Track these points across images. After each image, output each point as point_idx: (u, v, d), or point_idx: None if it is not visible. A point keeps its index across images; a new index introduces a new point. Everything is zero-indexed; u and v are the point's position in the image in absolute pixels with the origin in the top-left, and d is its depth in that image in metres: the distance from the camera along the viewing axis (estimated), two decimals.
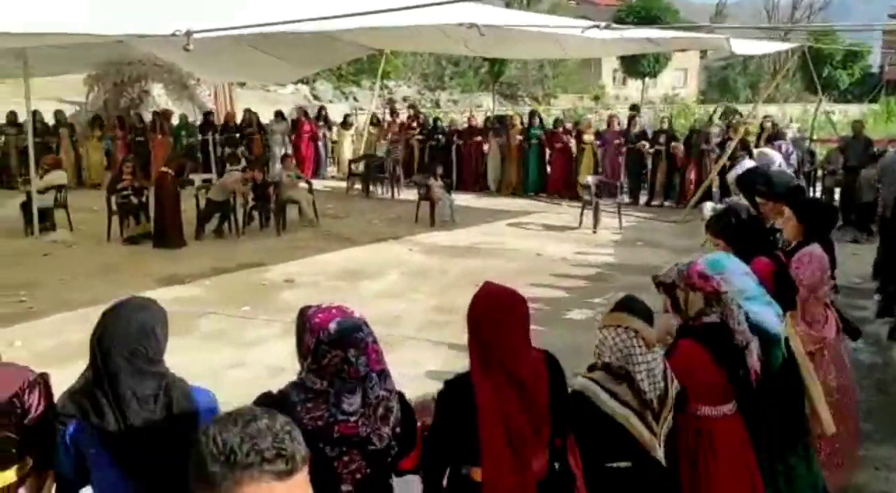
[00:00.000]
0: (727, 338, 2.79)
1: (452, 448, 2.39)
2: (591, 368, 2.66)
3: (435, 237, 10.93)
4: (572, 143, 14.42)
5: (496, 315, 2.37)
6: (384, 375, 2.23)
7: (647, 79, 31.96)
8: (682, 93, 39.03)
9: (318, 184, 14.01)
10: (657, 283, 2.99)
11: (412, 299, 7.83)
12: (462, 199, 13.29)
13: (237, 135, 16.14)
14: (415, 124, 16.61)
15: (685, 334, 2.86)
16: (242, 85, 22.85)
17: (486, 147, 15.24)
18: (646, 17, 27.07)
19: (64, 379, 5.42)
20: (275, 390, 2.23)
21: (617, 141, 14.19)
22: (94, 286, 8.04)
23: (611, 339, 2.57)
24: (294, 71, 16.38)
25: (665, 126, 14.42)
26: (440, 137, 15.90)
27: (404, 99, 29.40)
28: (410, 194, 13.24)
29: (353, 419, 2.15)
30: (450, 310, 7.24)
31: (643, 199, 14.07)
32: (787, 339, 3.30)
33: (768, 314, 3.09)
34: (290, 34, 11.31)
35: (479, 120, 16.38)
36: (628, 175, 14.26)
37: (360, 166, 15.33)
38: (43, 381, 2.32)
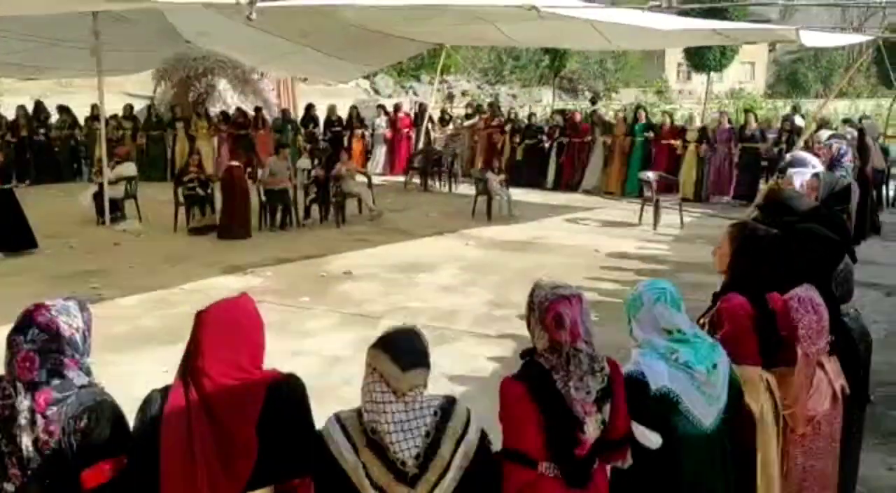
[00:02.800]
0: (551, 393, 2.30)
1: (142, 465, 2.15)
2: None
3: (492, 232, 10.95)
4: (678, 141, 13.82)
5: (211, 330, 2.17)
6: (35, 386, 2.07)
7: (712, 73, 31.22)
8: (748, 87, 38.02)
9: (376, 178, 14.17)
10: (531, 290, 2.47)
11: (468, 293, 7.87)
12: (519, 194, 13.26)
13: (340, 129, 16.47)
14: (495, 122, 16.15)
15: (521, 371, 2.40)
16: (304, 80, 23.22)
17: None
18: (712, 9, 26.45)
19: (135, 361, 5.64)
20: None
21: (728, 140, 13.47)
22: (162, 274, 8.34)
23: (364, 382, 2.21)
24: (357, 68, 16.62)
25: (788, 126, 13.49)
26: (541, 136, 15.36)
27: (463, 93, 29.44)
28: (469, 189, 13.28)
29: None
30: (505, 305, 7.26)
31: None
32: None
33: (655, 369, 2.57)
34: (351, 32, 11.52)
35: (579, 117, 15.54)
36: (740, 177, 13.48)
37: (419, 160, 15.46)
38: None
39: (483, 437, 2.29)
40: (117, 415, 2.19)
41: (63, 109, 16.04)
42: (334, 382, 5.38)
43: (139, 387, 4.89)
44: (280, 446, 2.16)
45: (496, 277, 8.49)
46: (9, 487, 2.09)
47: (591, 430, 2.31)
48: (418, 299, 7.63)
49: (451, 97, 24.44)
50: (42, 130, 15.56)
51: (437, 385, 5.37)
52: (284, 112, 17.45)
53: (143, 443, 2.13)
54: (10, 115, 15.78)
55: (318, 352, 6.09)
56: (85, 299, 2.31)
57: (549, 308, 2.34)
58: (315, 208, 11.56)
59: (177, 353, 6.28)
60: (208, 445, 2.08)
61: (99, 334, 2.26)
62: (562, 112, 16.85)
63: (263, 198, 11.09)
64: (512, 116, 16.81)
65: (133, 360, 5.59)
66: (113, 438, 2.14)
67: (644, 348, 2.65)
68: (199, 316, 2.21)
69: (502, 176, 12.28)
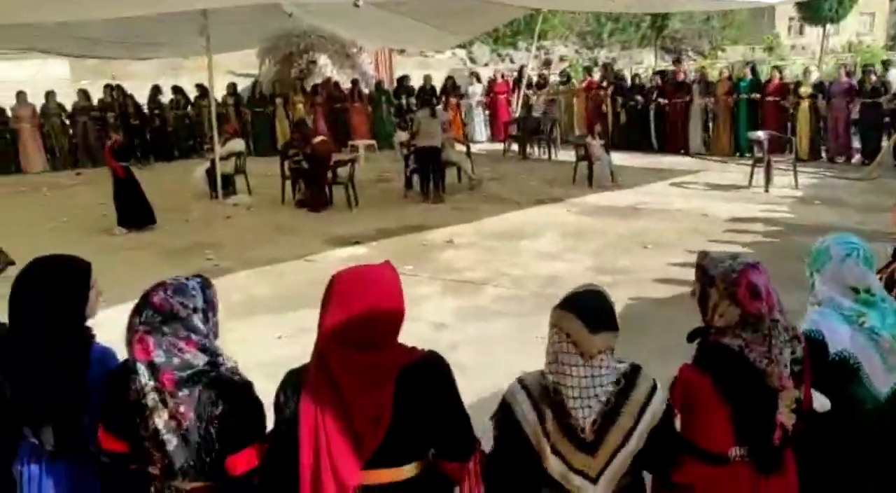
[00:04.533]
0: (745, 374, 2.14)
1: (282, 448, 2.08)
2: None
3: (593, 198, 10.75)
4: (789, 97, 13.13)
5: (344, 297, 2.01)
6: (155, 367, 2.05)
7: (828, 25, 29.33)
8: (867, 40, 35.48)
9: (474, 147, 14.12)
10: (699, 263, 2.31)
11: (570, 259, 7.76)
12: (623, 158, 12.94)
13: (433, 99, 16.58)
14: (605, 83, 15.83)
15: (701, 357, 2.24)
16: (402, 52, 23.38)
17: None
18: None
19: (250, 328, 5.86)
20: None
21: (846, 96, 12.60)
22: (272, 246, 8.65)
23: (549, 342, 2.08)
24: (453, 37, 16.55)
25: None
26: (638, 96, 14.94)
27: (561, 58, 28.85)
28: (569, 155, 13.07)
29: None
30: (610, 270, 7.13)
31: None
32: None
33: (836, 331, 2.37)
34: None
35: (688, 75, 15.14)
36: (861, 134, 12.70)
37: (516, 128, 15.31)
38: None
39: (669, 410, 2.14)
40: (253, 398, 2.16)
41: (177, 90, 16.79)
42: (441, 348, 5.42)
43: (255, 352, 5.12)
44: (424, 426, 2.04)
45: (599, 243, 8.33)
46: (154, 470, 2.11)
47: (785, 408, 2.17)
48: (520, 266, 7.59)
49: (548, 63, 23.99)
50: (157, 112, 16.37)
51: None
52: (378, 83, 17.66)
53: (285, 423, 2.06)
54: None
55: (425, 318, 6.16)
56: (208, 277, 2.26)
57: (738, 280, 2.16)
58: (415, 179, 11.65)
59: (288, 321, 6.51)
60: (338, 425, 1.98)
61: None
62: (662, 73, 16.27)
63: (411, 161, 11.30)
64: (621, 75, 16.32)
65: (248, 327, 5.84)
66: (253, 423, 2.14)
67: (824, 306, 2.45)
68: (334, 280, 2.06)
69: (603, 141, 12.00)
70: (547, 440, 2.04)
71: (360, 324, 1.99)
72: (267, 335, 5.75)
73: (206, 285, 2.20)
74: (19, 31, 10.76)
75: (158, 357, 2.05)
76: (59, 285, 2.32)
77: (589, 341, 2.01)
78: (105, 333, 2.44)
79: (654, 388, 2.10)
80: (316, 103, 16.45)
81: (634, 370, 2.11)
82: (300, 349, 5.99)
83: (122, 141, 10.32)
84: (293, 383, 2.08)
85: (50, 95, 15.64)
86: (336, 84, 17.03)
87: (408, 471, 2.06)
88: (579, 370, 2.01)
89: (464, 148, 12.64)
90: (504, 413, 2.13)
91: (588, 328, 2.01)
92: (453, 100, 16.75)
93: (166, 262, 8.02)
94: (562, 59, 28.89)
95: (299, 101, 16.47)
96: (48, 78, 17.97)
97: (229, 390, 2.10)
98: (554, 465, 2.04)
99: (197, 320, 2.12)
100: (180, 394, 2.04)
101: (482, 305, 6.51)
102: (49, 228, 9.70)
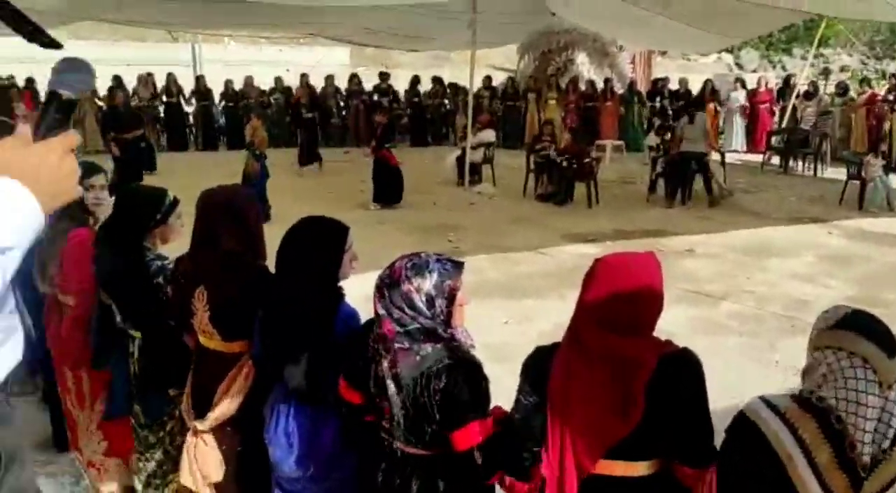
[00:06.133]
0: None
1: (523, 425, 2.04)
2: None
3: (862, 222, 9.71)
4: None
5: (605, 281, 1.95)
6: (379, 317, 2.17)
7: None
8: None
9: (730, 156, 13.35)
10: None
11: (826, 284, 7.10)
12: None
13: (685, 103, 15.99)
14: (892, 97, 14.34)
15: None
16: (663, 53, 22.66)
17: None
18: None
19: (479, 310, 6.03)
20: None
21: None
22: (509, 235, 8.88)
23: (825, 366, 1.80)
24: (719, 40, 15.74)
25: None
26: None
27: (842, 69, 26.25)
28: (838, 174, 11.91)
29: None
30: (873, 302, 6.40)
31: None
32: None
33: None
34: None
35: None
36: None
37: (781, 140, 14.23)
38: None
39: None
40: (479, 376, 2.13)
41: (436, 81, 17.77)
42: None
43: (482, 333, 5.30)
44: (669, 422, 1.92)
45: (862, 270, 7.54)
46: (385, 424, 2.19)
47: None
48: (766, 285, 7.08)
49: (826, 73, 21.92)
50: (416, 99, 17.46)
51: (790, 380, 4.97)
52: (631, 84, 17.29)
53: (530, 399, 2.05)
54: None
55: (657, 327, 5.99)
56: (458, 264, 2.21)
57: None
58: (660, 183, 11.30)
59: (515, 307, 6.65)
60: (586, 403, 1.93)
61: None
62: None
63: (658, 164, 11.11)
64: None
65: (478, 308, 6.02)
66: (476, 400, 2.10)
67: None
68: (597, 262, 2.04)
69: (885, 161, 10.77)
70: (812, 470, 1.80)
71: (624, 306, 1.94)
72: (494, 319, 5.93)
73: (448, 274, 2.14)
74: (312, 17, 12.01)
75: (381, 309, 2.15)
76: (319, 242, 2.51)
77: (889, 369, 1.78)
78: (348, 297, 2.60)
79: None
80: (568, 101, 16.51)
81: None
82: (523, 336, 6.13)
83: (385, 123, 11.09)
84: (542, 361, 2.06)
85: (329, 78, 17.25)
86: (591, 82, 16.94)
87: (643, 468, 1.96)
88: (874, 400, 1.76)
89: (717, 156, 12.01)
90: (743, 427, 1.91)
91: (887, 353, 1.78)
92: (711, 106, 15.96)
93: (411, 238, 8.55)
94: (843, 69, 26.27)
95: (552, 97, 16.62)
96: (332, 63, 19.87)
97: (455, 366, 2.09)
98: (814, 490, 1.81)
99: (418, 300, 2.11)
100: (396, 345, 2.10)
101: (717, 319, 6.18)
102: (315, 197, 10.74)
